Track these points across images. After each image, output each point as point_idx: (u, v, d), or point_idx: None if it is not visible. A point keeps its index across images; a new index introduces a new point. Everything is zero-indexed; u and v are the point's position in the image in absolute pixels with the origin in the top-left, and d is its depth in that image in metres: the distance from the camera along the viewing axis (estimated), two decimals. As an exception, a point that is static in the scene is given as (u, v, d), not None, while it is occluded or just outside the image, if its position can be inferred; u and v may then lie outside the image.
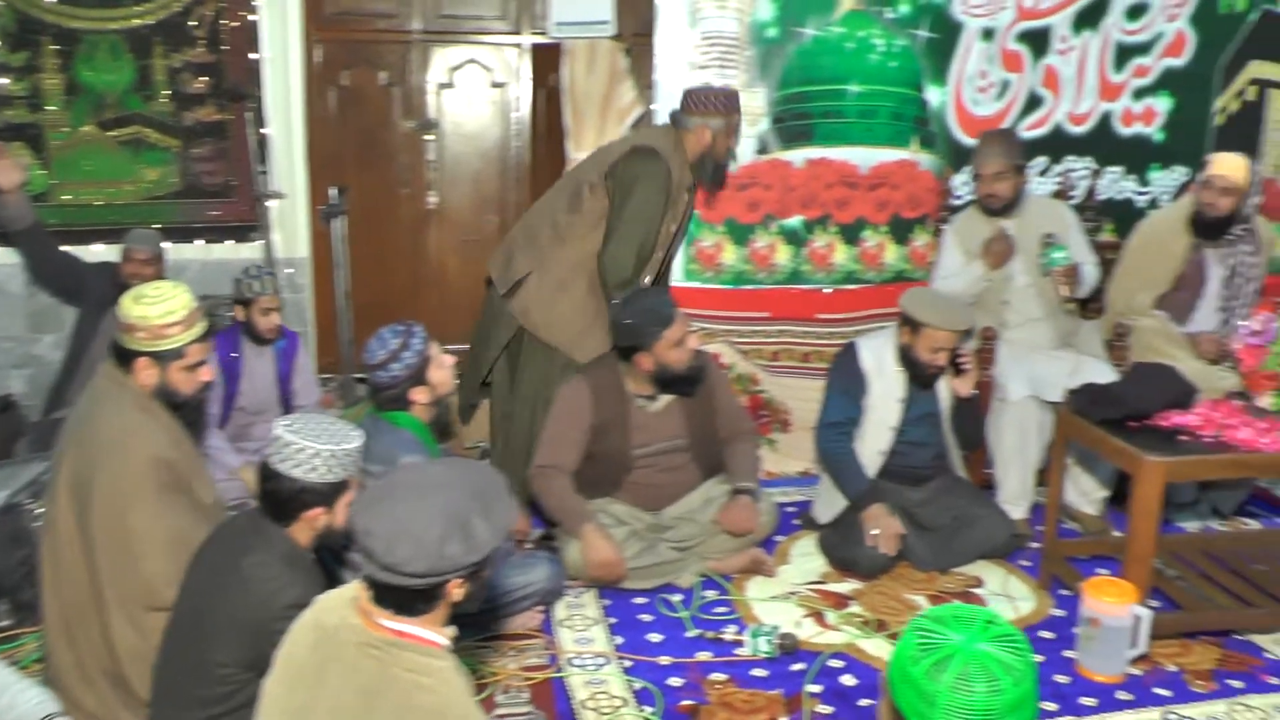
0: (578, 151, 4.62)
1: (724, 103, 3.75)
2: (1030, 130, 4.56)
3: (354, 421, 2.93)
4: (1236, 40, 4.74)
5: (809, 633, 3.16)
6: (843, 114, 4.27)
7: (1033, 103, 4.56)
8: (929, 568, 3.52)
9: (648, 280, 3.80)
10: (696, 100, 3.74)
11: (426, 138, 5.14)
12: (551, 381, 3.67)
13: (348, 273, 4.72)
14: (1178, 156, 4.72)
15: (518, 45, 5.17)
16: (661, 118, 4.06)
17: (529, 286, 3.74)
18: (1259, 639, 3.23)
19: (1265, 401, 3.26)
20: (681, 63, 4.06)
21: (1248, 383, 3.33)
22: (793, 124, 4.21)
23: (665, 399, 3.44)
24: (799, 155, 4.29)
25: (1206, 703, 2.91)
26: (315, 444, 2.08)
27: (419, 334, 2.92)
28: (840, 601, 3.37)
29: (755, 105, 4.18)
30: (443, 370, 2.97)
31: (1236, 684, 3.00)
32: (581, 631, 3.14)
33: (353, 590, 1.76)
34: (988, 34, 4.42)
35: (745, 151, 4.19)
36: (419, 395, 2.91)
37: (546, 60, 4.92)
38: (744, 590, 3.42)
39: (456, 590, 1.72)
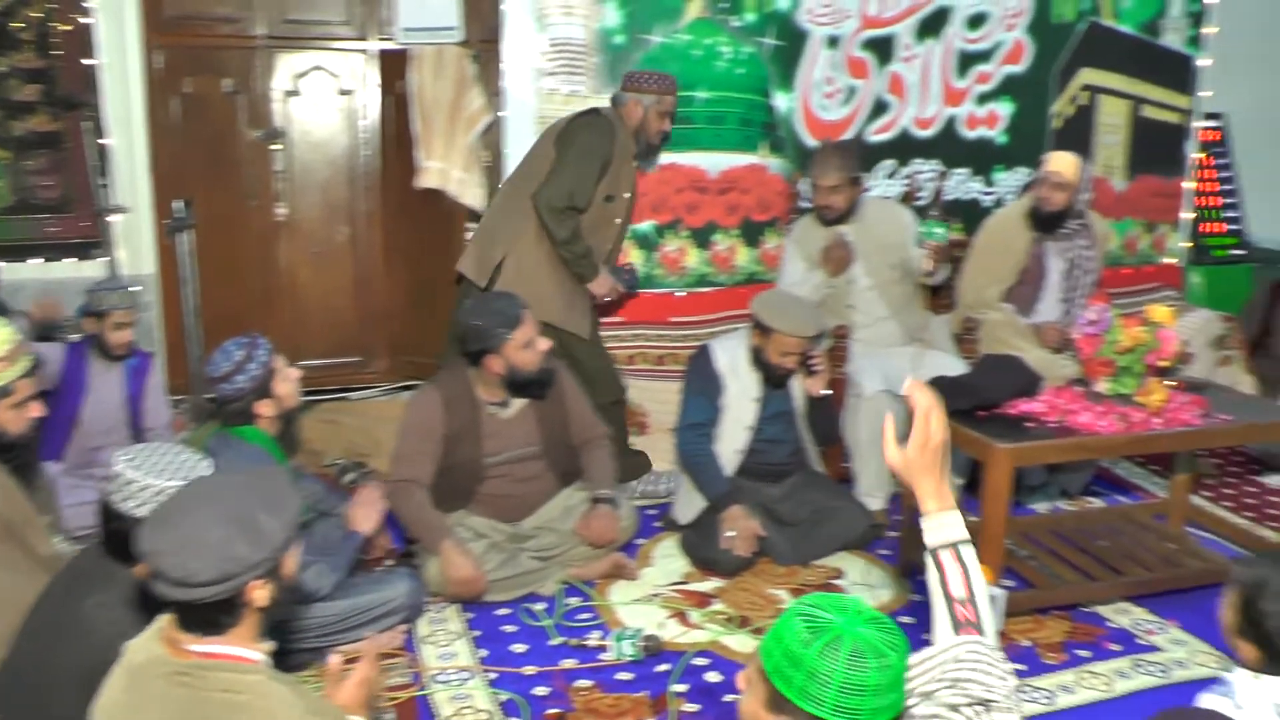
0: (429, 160, 4.54)
1: (656, 83, 3.88)
2: (877, 134, 4.69)
3: (201, 440, 2.83)
4: (1068, 49, 4.99)
5: (673, 633, 3.16)
6: (691, 120, 4.29)
7: (879, 108, 4.68)
8: (790, 562, 3.56)
9: (608, 248, 3.97)
10: (631, 78, 3.92)
11: (273, 147, 4.97)
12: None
13: (196, 289, 4.53)
14: (1020, 158, 4.92)
15: (364, 51, 5.05)
16: (511, 125, 4.03)
17: (507, 271, 3.82)
18: (1103, 610, 3.38)
19: (1102, 386, 3.41)
20: (529, 69, 4.04)
21: (1086, 370, 3.49)
22: (642, 131, 4.22)
23: (517, 405, 3.40)
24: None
25: (1057, 673, 3.02)
26: (159, 480, 1.96)
27: (264, 346, 2.85)
28: (703, 600, 3.37)
29: (601, 112, 4.18)
30: (288, 383, 2.91)
31: (1084, 653, 3.13)
32: (445, 647, 3.07)
33: (158, 623, 1.68)
34: (833, 41, 4.52)
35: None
36: (265, 408, 2.85)
37: (394, 67, 4.83)
38: (607, 595, 3.39)
39: (259, 593, 1.65)
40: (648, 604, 3.34)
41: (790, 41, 4.44)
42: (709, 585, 3.46)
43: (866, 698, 1.39)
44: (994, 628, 1.65)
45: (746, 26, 4.35)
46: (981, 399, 3.30)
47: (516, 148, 4.05)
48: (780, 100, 4.47)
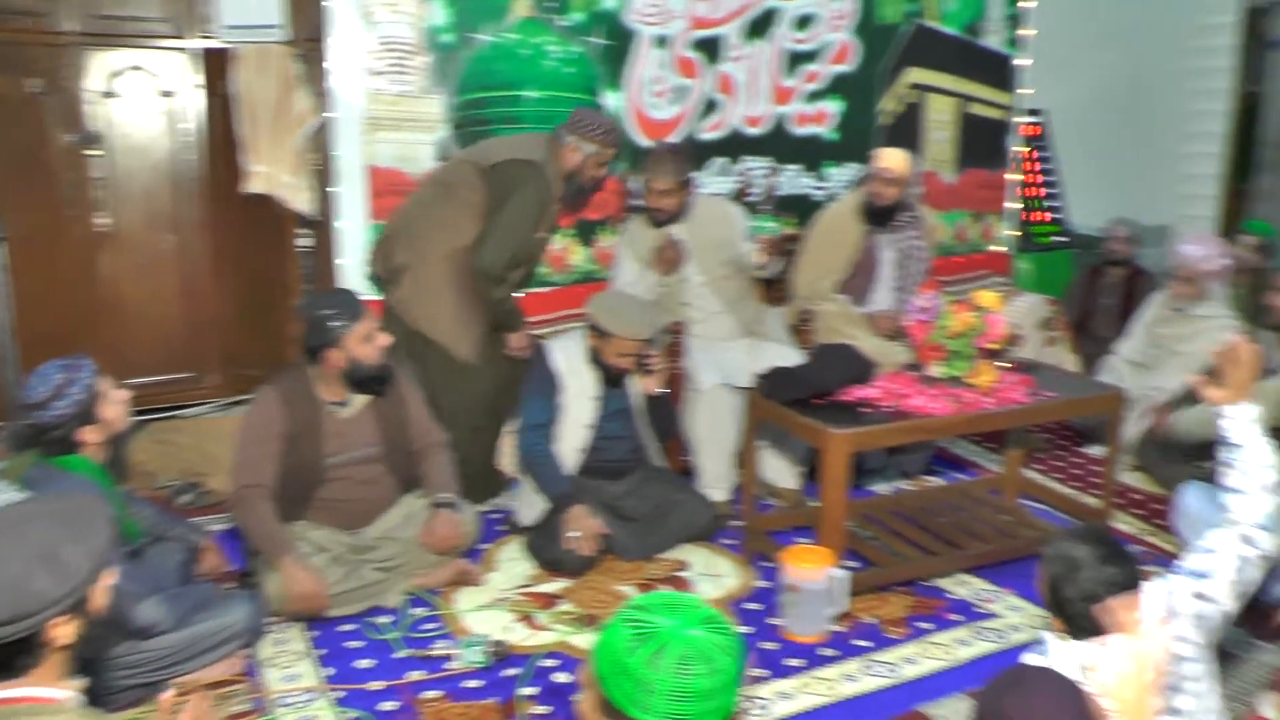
0: (255, 164, 4.37)
1: (602, 133, 3.86)
2: (709, 132, 4.74)
3: (18, 471, 2.63)
4: (895, 49, 5.15)
5: (521, 636, 3.12)
6: (521, 119, 4.24)
7: (709, 106, 4.73)
8: (635, 557, 3.57)
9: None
10: (579, 120, 3.87)
11: (90, 153, 4.70)
12: (433, 385, 3.69)
13: (10, 306, 4.25)
14: (850, 154, 5.05)
15: (185, 50, 4.82)
16: (341, 127, 3.92)
17: (408, 279, 3.77)
18: (942, 583, 3.51)
19: (935, 370, 3.53)
20: (356, 69, 3.93)
21: (919, 355, 3.59)
22: (472, 130, 4.14)
23: (358, 404, 3.31)
24: (446, 163, 4.16)
25: (901, 647, 3.12)
26: None
27: (86, 368, 2.70)
28: (549, 601, 3.35)
29: (433, 112, 4.09)
30: (115, 406, 2.76)
31: (927, 626, 3.24)
32: (288, 668, 2.95)
33: None
34: (661, 41, 4.55)
35: (426, 158, 4.09)
36: (89, 435, 2.70)
37: (219, 66, 4.63)
38: (452, 603, 3.33)
39: (61, 631, 1.55)
40: (494, 609, 3.29)
41: (619, 41, 4.44)
42: (555, 586, 3.44)
43: (695, 703, 1.38)
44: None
45: (574, 26, 4.33)
46: (817, 387, 3.37)
47: (347, 150, 3.94)
48: (610, 99, 4.48)
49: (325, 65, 3.93)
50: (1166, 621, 2.07)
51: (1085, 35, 6.95)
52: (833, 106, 5.02)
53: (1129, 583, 2.04)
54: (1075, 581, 2.03)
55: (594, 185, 3.99)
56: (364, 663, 2.99)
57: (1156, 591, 2.11)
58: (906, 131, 5.23)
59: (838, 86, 5.01)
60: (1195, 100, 7.66)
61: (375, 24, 3.94)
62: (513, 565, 3.59)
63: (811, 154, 5.01)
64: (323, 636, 3.12)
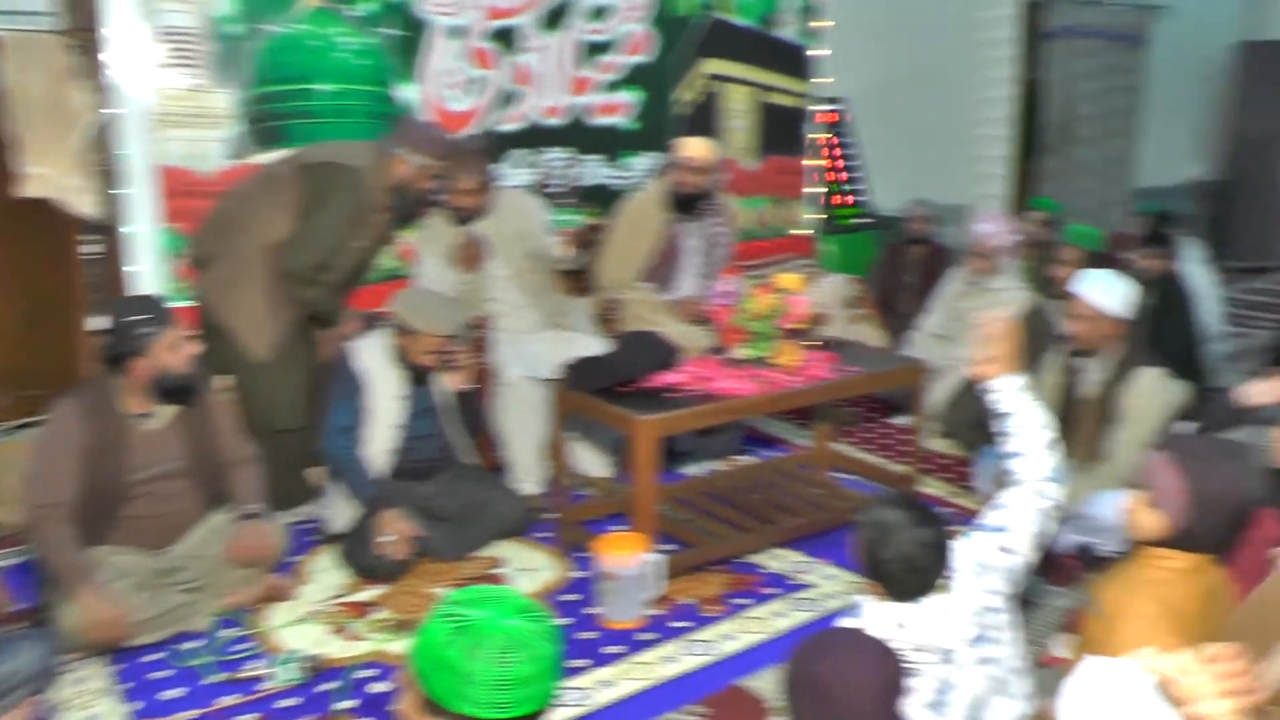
0: (33, 165, 4.08)
1: (430, 144, 3.75)
2: (506, 124, 4.71)
3: None
4: (691, 40, 5.24)
5: (337, 648, 3.04)
6: (315, 114, 4.13)
7: (507, 98, 4.70)
8: (450, 557, 3.52)
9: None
10: (408, 131, 3.79)
11: None
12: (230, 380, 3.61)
13: None
14: (649, 143, 5.10)
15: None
16: (125, 124, 3.72)
17: (215, 268, 3.67)
18: (758, 558, 3.58)
19: (739, 352, 3.59)
20: (139, 61, 3.72)
21: (722, 338, 3.66)
22: (265, 125, 4.01)
23: (163, 416, 3.14)
24: (275, 158, 4.04)
25: (719, 624, 3.17)
26: None
27: None
28: (365, 610, 3.27)
29: (224, 107, 3.93)
30: None
31: (744, 601, 3.30)
32: (88, 709, 2.78)
33: None
34: (456, 32, 4.49)
35: (217, 156, 3.93)
36: None
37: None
38: (264, 620, 3.21)
39: None
40: (308, 623, 3.19)
41: (412, 32, 4.37)
42: (370, 593, 3.36)
43: (517, 689, 1.39)
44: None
45: (365, 16, 4.23)
46: (623, 375, 3.38)
47: (133, 148, 3.75)
48: (405, 92, 4.39)
49: (102, 57, 3.71)
50: (977, 576, 2.19)
51: (877, 27, 7.22)
52: (631, 97, 5.06)
53: (940, 541, 2.13)
54: (889, 544, 2.09)
55: (424, 198, 3.89)
56: (172, 693, 2.84)
57: (965, 549, 2.21)
58: (705, 121, 5.32)
59: (635, 77, 5.06)
60: (983, 87, 8.09)
61: (155, 12, 3.75)
62: (325, 576, 3.48)
63: (611, 144, 5.04)
64: (127, 669, 2.95)
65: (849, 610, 2.22)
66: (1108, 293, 3.56)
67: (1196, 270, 5.49)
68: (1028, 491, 2.28)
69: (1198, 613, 2.18)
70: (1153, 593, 2.16)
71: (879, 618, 2.13)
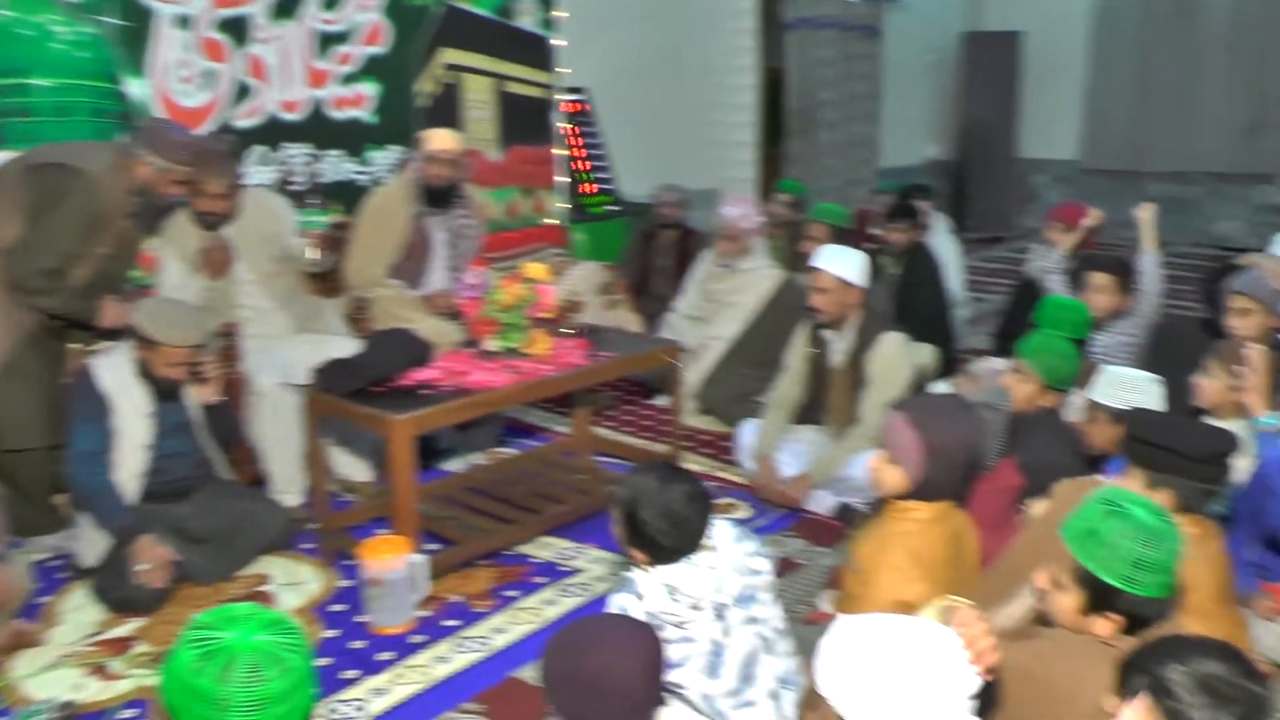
0: None
1: (175, 146, 3.49)
2: (244, 119, 4.51)
3: None
4: (427, 30, 5.16)
5: (94, 691, 2.83)
6: (33, 111, 3.83)
7: (242, 92, 4.49)
8: (213, 579, 3.34)
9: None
10: (151, 132, 3.54)
11: None
12: None
13: None
14: (391, 136, 5.02)
15: None
16: None
17: None
18: (525, 549, 3.60)
19: (491, 344, 3.58)
20: None
21: (473, 331, 3.64)
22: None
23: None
24: None
25: (489, 619, 3.16)
26: None
27: None
28: (123, 646, 3.06)
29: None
30: None
31: (513, 593, 3.31)
32: None
33: None
34: (183, 22, 4.25)
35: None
36: None
37: None
38: (9, 671, 2.94)
39: None
40: (60, 668, 2.94)
41: (135, 21, 4.10)
42: (129, 628, 3.14)
43: (272, 707, 1.36)
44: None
45: (81, 3, 3.93)
46: (375, 375, 3.31)
47: None
48: (133, 86, 4.12)
49: None
50: (736, 541, 2.30)
51: (618, 17, 7.37)
52: (369, 89, 4.95)
53: (698, 493, 2.21)
54: (648, 503, 2.16)
55: (169, 202, 3.65)
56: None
57: (725, 524, 2.34)
58: (446, 112, 5.27)
59: (372, 68, 4.95)
60: (727, 75, 8.40)
61: None
62: (78, 614, 3.22)
63: (353, 138, 4.92)
64: None
65: (620, 586, 2.28)
66: (845, 265, 3.80)
67: (941, 241, 5.91)
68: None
69: (945, 557, 2.38)
70: (901, 544, 2.34)
71: (651, 586, 2.20)
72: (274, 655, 1.38)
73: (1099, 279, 4.05)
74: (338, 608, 3.23)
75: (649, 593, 2.20)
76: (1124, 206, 9.64)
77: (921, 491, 2.38)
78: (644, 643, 1.85)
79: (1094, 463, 3.04)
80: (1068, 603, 1.87)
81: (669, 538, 2.19)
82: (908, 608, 2.14)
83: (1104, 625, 1.84)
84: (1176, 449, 2.41)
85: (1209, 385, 3.20)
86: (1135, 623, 1.83)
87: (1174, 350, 3.83)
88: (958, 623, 1.73)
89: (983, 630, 1.73)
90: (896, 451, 2.37)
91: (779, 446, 4.00)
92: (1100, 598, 1.82)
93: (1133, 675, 1.59)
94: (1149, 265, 4.19)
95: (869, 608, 2.25)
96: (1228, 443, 2.50)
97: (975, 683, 1.46)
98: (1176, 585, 1.86)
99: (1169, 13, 9.81)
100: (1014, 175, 10.52)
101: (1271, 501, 2.72)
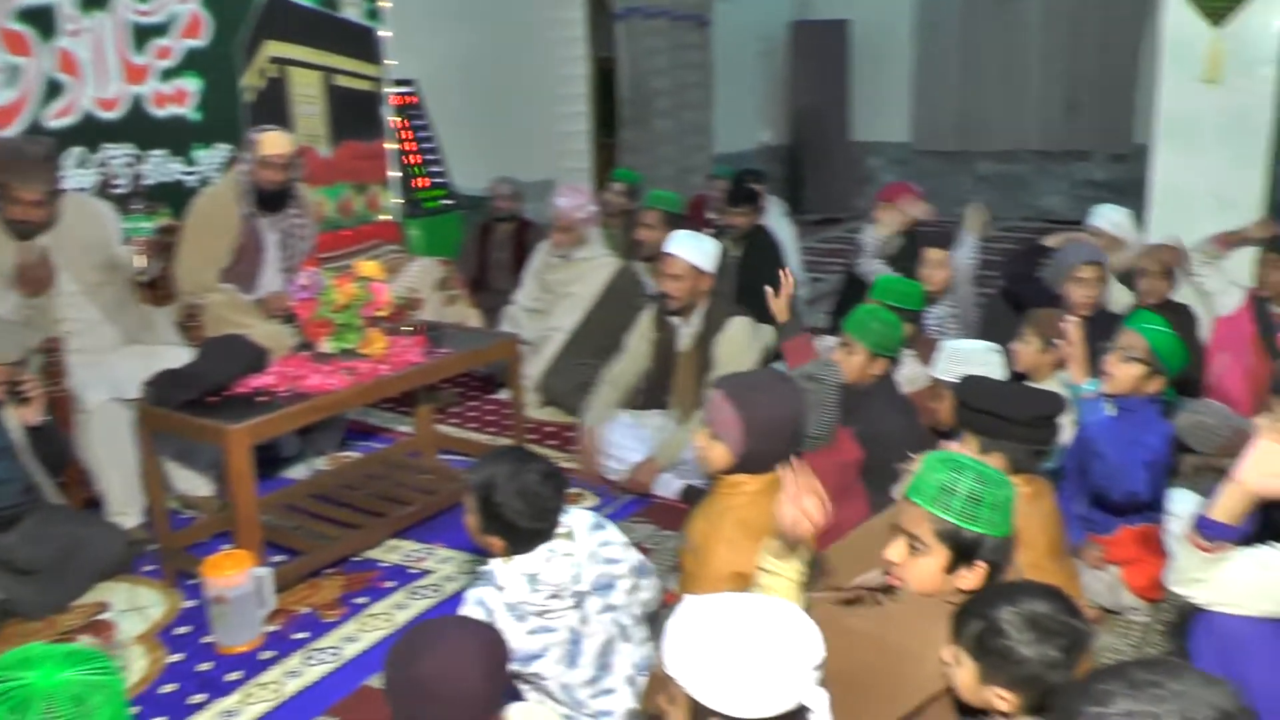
0: None
1: None
2: (56, 119, 4.25)
3: None
4: (249, 21, 4.98)
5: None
6: None
7: (53, 89, 4.24)
8: (45, 613, 3.14)
9: None
10: None
11: None
12: None
13: None
14: (217, 134, 4.82)
15: None
16: None
17: None
18: (373, 554, 3.56)
19: (326, 346, 3.51)
20: None
21: (307, 333, 3.56)
22: None
23: None
24: None
25: (340, 628, 3.12)
26: None
27: None
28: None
29: None
30: None
31: (362, 600, 3.27)
32: None
33: None
34: (-26, 13, 3.99)
35: None
36: None
37: None
38: None
39: None
40: None
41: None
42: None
43: None
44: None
45: None
46: (209, 385, 3.19)
47: None
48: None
49: None
50: (590, 531, 2.36)
51: (445, 7, 7.28)
52: (191, 84, 4.74)
53: (551, 472, 2.23)
54: (504, 486, 2.18)
55: None
56: None
57: (581, 512, 2.40)
58: (273, 107, 5.09)
59: (193, 62, 4.73)
60: (558, 65, 8.41)
61: None
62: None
63: (177, 137, 4.70)
64: None
65: (478, 579, 2.30)
66: (697, 250, 3.89)
67: (777, 224, 6.07)
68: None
69: (776, 528, 2.47)
70: (732, 518, 2.41)
71: (510, 576, 2.22)
72: (74, 693, 1.36)
73: (935, 254, 4.27)
74: (182, 630, 3.12)
75: (509, 583, 2.23)
76: (956, 185, 10.33)
77: (746, 464, 2.44)
78: (481, 643, 1.88)
79: (946, 436, 3.18)
80: (931, 564, 1.92)
81: (526, 518, 2.21)
82: (743, 580, 2.23)
83: (969, 577, 1.90)
84: (1004, 414, 2.57)
85: (1024, 351, 3.45)
86: (993, 571, 1.91)
87: (1006, 319, 4.06)
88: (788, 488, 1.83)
89: (810, 487, 1.86)
90: (717, 427, 2.44)
91: (608, 420, 4.07)
92: (961, 550, 1.89)
93: (966, 622, 1.71)
94: (964, 249, 4.44)
95: (706, 584, 2.32)
96: (1054, 405, 2.69)
97: (820, 652, 1.50)
98: (1015, 531, 1.96)
99: (988, 0, 10.35)
100: (849, 158, 10.92)
101: (1095, 462, 2.93)
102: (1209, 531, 2.03)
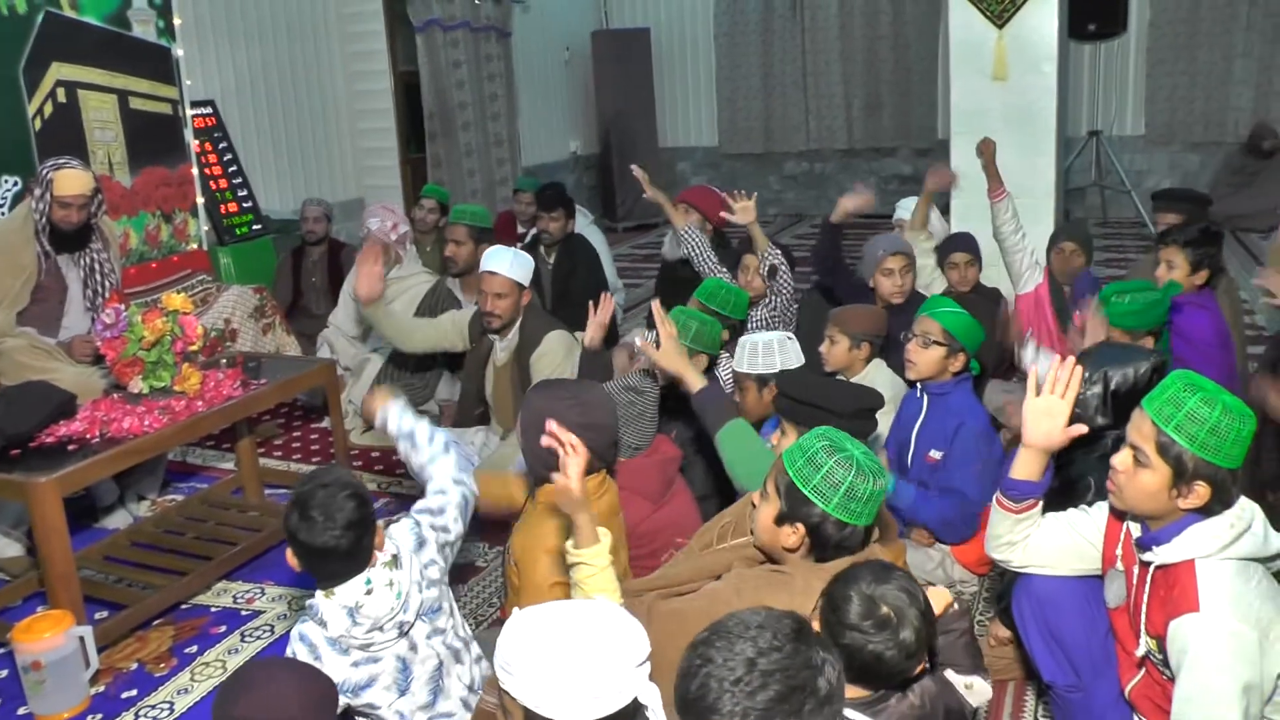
0: None
1: None
2: None
3: None
4: (29, 42, 4.68)
5: None
6: None
7: None
8: None
9: None
10: None
11: None
12: None
13: None
14: (4, 166, 4.52)
15: None
16: None
17: None
18: (202, 599, 3.45)
19: (137, 386, 3.38)
20: None
21: (117, 374, 3.41)
22: None
23: None
24: None
25: (172, 680, 3.00)
26: None
27: None
28: None
29: None
30: None
31: (192, 649, 3.16)
32: None
33: None
34: None
35: None
36: None
37: None
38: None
39: None
40: None
41: None
42: None
43: None
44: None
45: None
46: (11, 436, 3.02)
47: None
48: None
49: None
50: (415, 552, 2.36)
51: (241, 23, 7.06)
52: (-32, 112, 4.43)
53: (360, 489, 2.21)
54: (319, 521, 2.12)
55: None
56: None
57: (403, 528, 2.40)
58: (65, 134, 4.79)
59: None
60: (362, 81, 8.26)
61: None
62: None
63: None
64: None
65: (302, 614, 2.27)
66: (515, 266, 3.91)
67: (589, 231, 6.12)
68: (449, 480, 2.56)
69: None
70: (552, 526, 2.45)
71: (332, 611, 2.19)
72: None
73: (752, 260, 4.43)
74: (-12, 703, 2.94)
75: (331, 618, 2.19)
76: (764, 186, 10.66)
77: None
78: (301, 682, 1.89)
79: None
80: (767, 512, 2.06)
81: (339, 549, 2.14)
82: (566, 589, 2.26)
83: (790, 535, 2.03)
84: (825, 406, 2.69)
85: (834, 351, 3.60)
86: (817, 542, 2.03)
87: (816, 314, 4.25)
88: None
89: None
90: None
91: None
92: (791, 508, 2.01)
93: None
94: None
95: (530, 596, 2.37)
96: (873, 398, 2.84)
97: (644, 648, 1.54)
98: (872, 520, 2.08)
99: (785, 6, 10.77)
100: (658, 164, 11.14)
101: (921, 519, 3.13)
102: (1013, 492, 2.21)
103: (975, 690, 1.98)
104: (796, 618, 1.49)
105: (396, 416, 2.70)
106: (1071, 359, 2.16)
